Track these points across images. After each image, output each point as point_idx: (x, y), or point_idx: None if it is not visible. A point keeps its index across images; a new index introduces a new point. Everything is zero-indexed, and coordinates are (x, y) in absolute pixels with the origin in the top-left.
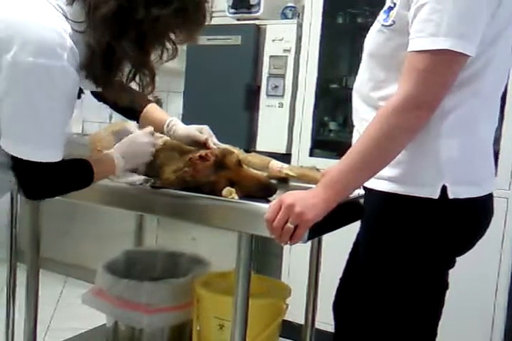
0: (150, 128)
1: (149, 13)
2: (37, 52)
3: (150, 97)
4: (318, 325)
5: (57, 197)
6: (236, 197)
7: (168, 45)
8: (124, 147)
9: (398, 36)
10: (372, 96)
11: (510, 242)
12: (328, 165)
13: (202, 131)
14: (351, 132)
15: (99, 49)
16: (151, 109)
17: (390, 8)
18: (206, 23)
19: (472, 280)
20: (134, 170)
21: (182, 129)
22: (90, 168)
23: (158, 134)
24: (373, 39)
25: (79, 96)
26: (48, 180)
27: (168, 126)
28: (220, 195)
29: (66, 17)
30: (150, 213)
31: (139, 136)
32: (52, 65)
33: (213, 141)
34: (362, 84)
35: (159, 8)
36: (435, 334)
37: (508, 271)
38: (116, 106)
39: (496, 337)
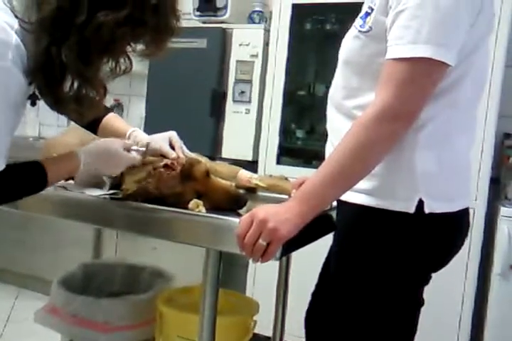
0: (130, 143)
1: (92, 19)
2: None
3: (110, 102)
4: (286, 338)
5: (8, 209)
6: (203, 210)
7: (121, 59)
8: (95, 149)
9: (375, 43)
10: (346, 105)
11: (476, 253)
12: (295, 173)
13: (172, 140)
14: (318, 140)
15: (38, 55)
16: (111, 119)
17: (367, 14)
18: (171, 40)
19: (437, 292)
20: (99, 186)
21: (146, 140)
22: (42, 170)
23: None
24: (349, 45)
25: (34, 103)
26: None
27: (129, 137)
28: (186, 208)
29: (14, 13)
30: (108, 227)
31: (116, 143)
32: None
33: (184, 151)
34: (335, 91)
35: (104, 15)
36: None
37: (474, 283)
38: None
39: None
